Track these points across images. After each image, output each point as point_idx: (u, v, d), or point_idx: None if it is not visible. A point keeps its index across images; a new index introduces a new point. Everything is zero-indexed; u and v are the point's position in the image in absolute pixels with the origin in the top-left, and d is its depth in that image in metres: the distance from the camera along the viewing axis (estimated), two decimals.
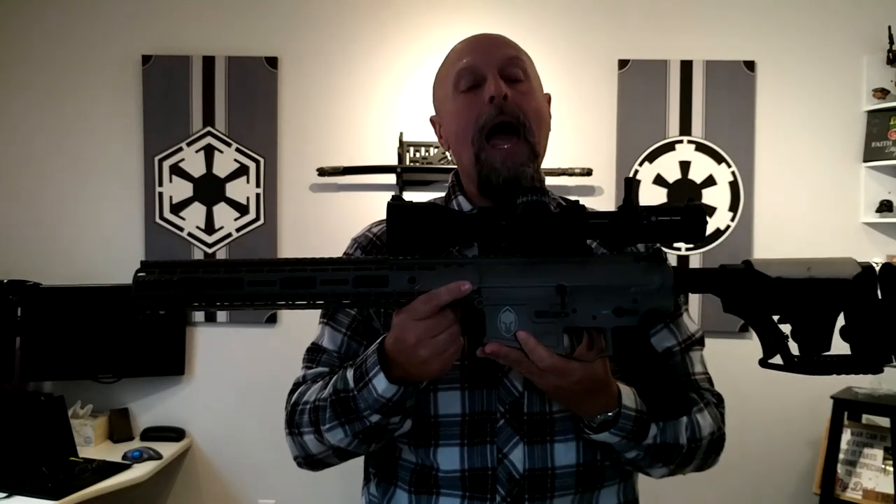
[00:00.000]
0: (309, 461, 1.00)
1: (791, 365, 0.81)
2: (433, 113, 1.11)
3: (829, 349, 0.82)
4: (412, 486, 0.98)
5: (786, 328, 0.83)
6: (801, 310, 0.82)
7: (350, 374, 0.90)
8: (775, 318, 0.84)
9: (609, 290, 0.83)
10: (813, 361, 0.81)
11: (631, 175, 2.95)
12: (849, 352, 0.82)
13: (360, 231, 1.12)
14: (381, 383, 0.85)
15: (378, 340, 0.88)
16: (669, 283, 0.84)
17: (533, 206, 0.82)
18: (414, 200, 0.84)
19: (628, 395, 0.90)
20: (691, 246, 2.95)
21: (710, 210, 2.96)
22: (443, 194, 1.12)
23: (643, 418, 0.90)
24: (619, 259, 0.85)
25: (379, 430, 0.90)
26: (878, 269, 0.83)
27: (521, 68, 1.01)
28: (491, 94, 0.96)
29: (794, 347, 0.82)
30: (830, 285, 0.82)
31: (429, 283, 0.81)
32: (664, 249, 0.89)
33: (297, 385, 1.03)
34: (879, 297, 0.82)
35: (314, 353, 1.05)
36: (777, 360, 0.82)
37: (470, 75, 0.99)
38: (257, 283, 0.80)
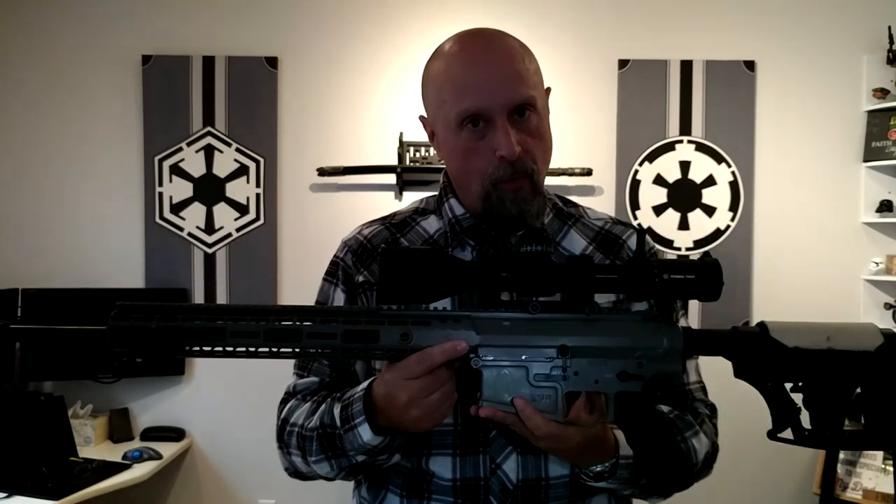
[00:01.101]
0: (298, 475, 1.01)
1: (802, 439, 0.78)
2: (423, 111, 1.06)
3: (843, 423, 0.78)
4: (404, 491, 0.97)
5: (797, 396, 0.80)
6: (818, 381, 0.78)
7: (337, 411, 0.88)
8: (787, 385, 0.80)
9: (614, 352, 0.79)
10: (825, 436, 0.78)
11: (630, 175, 2.96)
12: (860, 420, 0.79)
13: (350, 233, 1.08)
14: (366, 433, 0.85)
15: (366, 384, 0.86)
16: (678, 346, 0.79)
17: (537, 257, 0.77)
18: (410, 246, 0.80)
19: (624, 445, 0.88)
20: (691, 245, 2.95)
21: (711, 210, 2.96)
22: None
23: (640, 465, 0.89)
24: (626, 318, 0.81)
25: (366, 466, 0.90)
26: None
27: (532, 104, 0.93)
28: (502, 154, 0.91)
29: (804, 416, 0.79)
30: (851, 357, 0.77)
31: (423, 338, 0.77)
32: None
33: (287, 396, 1.02)
34: None
35: (305, 361, 1.03)
36: (787, 433, 0.79)
37: (474, 116, 0.92)
38: (240, 334, 0.76)
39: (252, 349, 0.76)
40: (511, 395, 0.78)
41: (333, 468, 0.91)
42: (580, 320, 0.79)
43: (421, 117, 1.05)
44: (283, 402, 1.02)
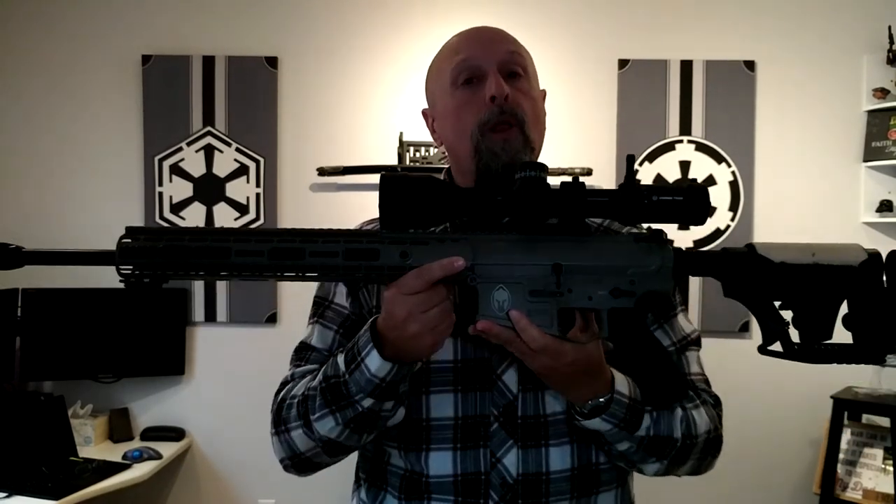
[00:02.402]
0: (296, 461, 0.96)
1: (791, 352, 0.79)
2: (425, 105, 1.09)
3: (830, 337, 0.79)
4: (402, 493, 0.96)
5: (786, 314, 0.81)
6: (804, 296, 0.80)
7: (341, 358, 0.88)
8: (776, 303, 0.81)
9: (606, 270, 0.81)
10: (813, 349, 0.79)
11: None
12: (850, 341, 0.80)
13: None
14: (373, 361, 0.83)
15: (370, 320, 0.86)
16: (669, 265, 0.82)
17: (531, 181, 0.79)
18: (408, 174, 0.81)
19: (622, 382, 0.88)
20: (691, 245, 2.95)
21: (711, 210, 2.96)
22: None
23: (637, 407, 0.88)
24: (618, 239, 0.83)
25: (371, 418, 0.87)
26: (884, 256, 0.80)
27: (521, 65, 0.99)
28: (492, 93, 0.94)
29: (794, 334, 0.80)
30: (835, 272, 0.79)
31: (421, 257, 0.79)
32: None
33: (284, 383, 1.00)
34: (885, 285, 0.80)
35: (303, 352, 1.02)
36: (777, 346, 0.80)
37: (468, 71, 0.97)
38: (245, 253, 0.78)
39: (257, 270, 0.78)
40: (506, 311, 0.80)
41: (338, 422, 0.88)
42: (573, 241, 0.82)
43: (423, 111, 1.08)
44: (279, 390, 1.00)
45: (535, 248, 0.81)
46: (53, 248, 0.83)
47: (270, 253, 0.77)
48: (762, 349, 0.80)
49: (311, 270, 0.79)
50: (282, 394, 0.98)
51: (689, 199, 0.79)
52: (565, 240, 0.82)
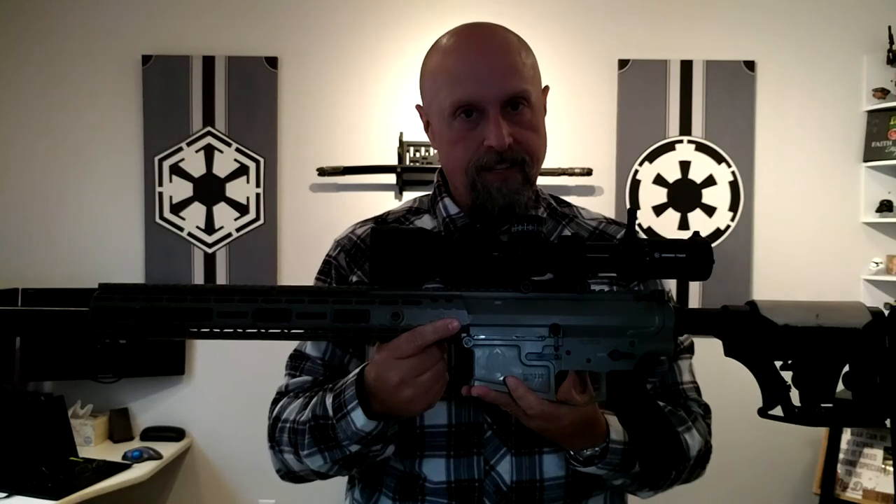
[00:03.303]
0: (290, 476, 0.97)
1: (792, 416, 0.78)
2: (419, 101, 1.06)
3: (832, 400, 0.79)
4: (397, 494, 0.95)
5: (786, 374, 0.80)
6: (807, 358, 0.78)
7: (329, 401, 0.87)
8: (777, 364, 0.80)
9: (606, 331, 0.79)
10: (815, 413, 0.78)
11: (630, 175, 2.96)
12: (849, 397, 0.79)
13: (343, 233, 1.07)
14: (359, 419, 0.83)
15: (357, 370, 0.85)
16: (670, 325, 0.79)
17: (528, 236, 0.77)
18: (400, 227, 0.79)
19: (616, 429, 0.88)
20: None
21: (711, 210, 2.96)
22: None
23: (631, 450, 0.88)
24: (618, 297, 0.80)
25: (360, 458, 0.87)
26: (887, 314, 0.79)
27: (526, 98, 0.93)
28: (491, 144, 0.91)
29: (794, 394, 0.79)
30: (839, 335, 0.78)
31: (414, 318, 0.76)
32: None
33: (279, 395, 1.00)
34: (887, 345, 0.79)
35: (297, 361, 1.01)
36: (777, 410, 0.79)
37: (467, 106, 0.92)
38: (227, 314, 0.74)
39: (240, 330, 0.75)
40: (503, 375, 0.78)
41: (326, 461, 0.89)
42: (572, 299, 0.79)
43: (417, 106, 1.05)
44: (275, 401, 1.00)
45: (532, 308, 0.78)
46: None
47: (255, 314, 0.74)
48: (762, 413, 0.79)
49: (298, 330, 0.75)
50: (276, 410, 0.98)
51: (691, 256, 0.77)
52: (564, 298, 0.79)
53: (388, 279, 0.77)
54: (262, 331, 0.75)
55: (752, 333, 0.79)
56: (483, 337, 0.78)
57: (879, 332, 0.78)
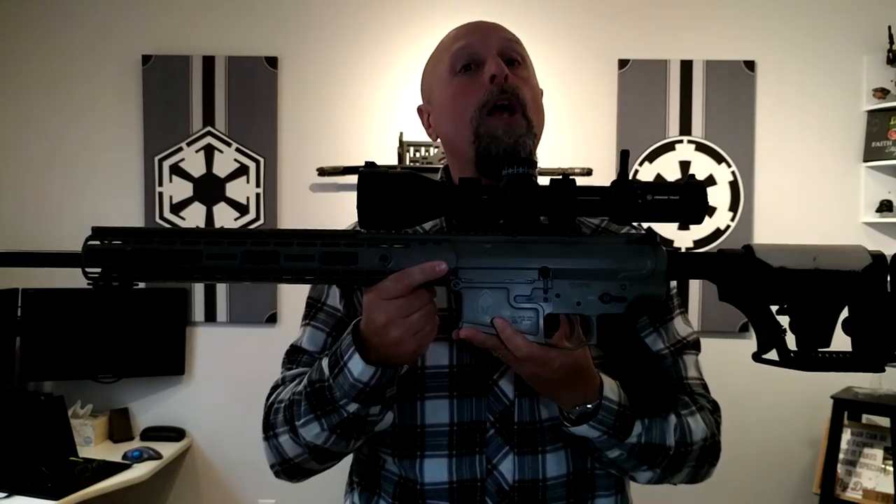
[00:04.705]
0: (286, 467, 0.93)
1: (787, 361, 0.75)
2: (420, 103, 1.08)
3: (829, 345, 0.75)
4: (396, 499, 0.94)
5: (783, 319, 0.77)
6: (804, 302, 0.75)
7: (325, 362, 0.85)
8: (773, 308, 0.77)
9: (596, 274, 0.77)
10: (811, 358, 0.75)
11: (630, 175, 2.95)
12: (848, 346, 0.76)
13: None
14: (356, 366, 0.80)
15: (352, 323, 0.83)
16: (662, 268, 0.77)
17: (519, 179, 0.75)
18: (388, 170, 0.77)
19: (611, 388, 0.84)
20: (691, 245, 2.95)
21: (711, 210, 2.96)
22: None
23: (626, 414, 0.85)
24: (609, 241, 0.79)
25: (357, 423, 0.84)
26: (889, 258, 0.76)
27: (519, 53, 0.99)
28: (492, 73, 0.93)
29: (790, 339, 0.77)
30: (837, 277, 0.74)
31: (402, 261, 0.75)
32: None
33: (275, 387, 0.99)
34: (889, 289, 0.75)
35: (294, 355, 1.00)
36: (772, 354, 0.76)
37: (468, 57, 0.96)
38: (216, 256, 0.74)
39: (229, 273, 0.75)
40: (491, 317, 0.77)
41: (323, 427, 0.85)
42: (562, 242, 0.78)
43: (418, 108, 1.06)
44: (270, 394, 0.99)
45: (521, 251, 0.77)
46: (51, 248, 0.81)
47: (243, 256, 0.74)
48: (756, 357, 0.77)
49: (287, 274, 0.75)
50: (271, 398, 0.96)
51: (685, 198, 0.75)
52: (554, 241, 0.78)
53: (375, 223, 0.76)
54: (251, 275, 0.75)
55: (747, 276, 0.77)
56: (472, 279, 0.77)
57: (880, 275, 0.75)
